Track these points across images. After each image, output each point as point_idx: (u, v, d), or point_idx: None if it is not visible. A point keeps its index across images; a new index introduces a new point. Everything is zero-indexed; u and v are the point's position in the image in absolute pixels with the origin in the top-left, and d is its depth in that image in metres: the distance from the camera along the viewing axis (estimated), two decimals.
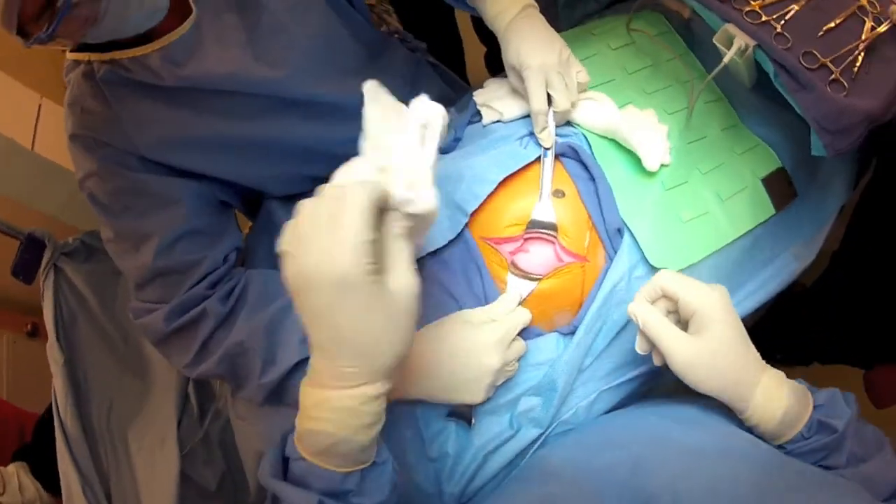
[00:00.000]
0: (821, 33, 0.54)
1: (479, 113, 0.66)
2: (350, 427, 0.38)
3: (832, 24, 0.54)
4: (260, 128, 0.62)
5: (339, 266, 0.34)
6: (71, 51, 0.56)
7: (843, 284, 0.81)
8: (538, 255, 0.56)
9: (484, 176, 0.58)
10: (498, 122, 0.64)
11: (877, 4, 0.55)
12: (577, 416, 0.56)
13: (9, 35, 0.44)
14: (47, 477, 0.85)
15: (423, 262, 0.57)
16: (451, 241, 0.58)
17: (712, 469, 0.40)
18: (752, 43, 0.55)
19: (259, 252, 0.72)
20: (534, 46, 0.57)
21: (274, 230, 0.70)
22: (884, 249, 0.72)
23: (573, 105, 0.60)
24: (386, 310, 0.36)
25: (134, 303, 0.62)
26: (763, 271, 0.63)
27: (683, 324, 0.48)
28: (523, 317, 0.54)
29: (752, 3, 0.56)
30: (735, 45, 0.55)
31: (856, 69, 0.54)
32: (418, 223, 0.41)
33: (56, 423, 0.77)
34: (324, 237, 0.35)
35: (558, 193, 0.58)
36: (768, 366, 0.48)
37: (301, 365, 0.57)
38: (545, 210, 0.56)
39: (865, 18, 0.54)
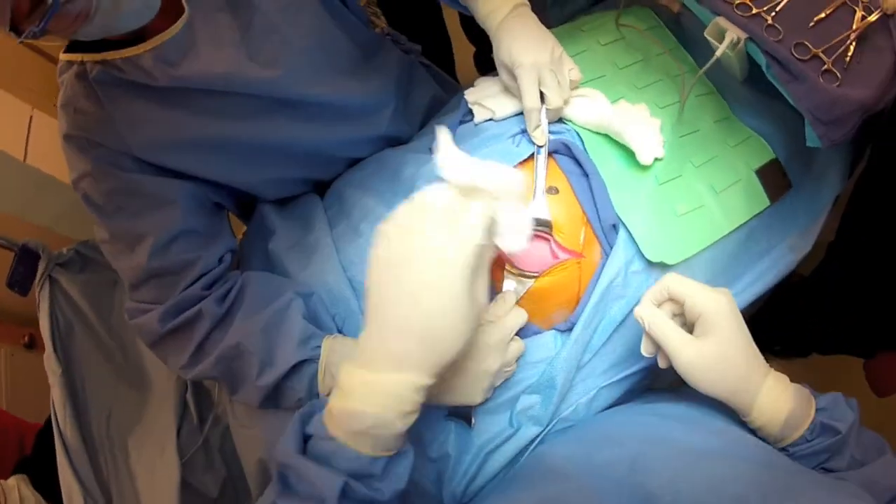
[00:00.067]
0: (812, 24, 0.54)
1: (470, 112, 0.66)
2: (394, 412, 0.39)
3: (823, 15, 0.54)
4: (253, 129, 0.62)
5: (452, 255, 0.38)
6: (64, 52, 0.56)
7: (840, 276, 0.81)
8: (533, 253, 0.55)
9: None
10: (490, 120, 0.64)
11: None
12: (577, 413, 0.56)
13: None
14: (48, 489, 0.85)
15: None
16: None
17: (713, 469, 0.40)
18: (743, 35, 0.54)
19: (253, 256, 0.71)
20: (526, 45, 0.58)
21: (267, 234, 0.70)
22: (879, 239, 0.72)
23: (566, 102, 0.60)
24: (463, 311, 0.39)
25: (129, 303, 0.62)
26: (759, 263, 0.63)
27: (689, 326, 0.49)
28: (520, 317, 0.53)
29: None
30: (727, 38, 0.55)
31: (848, 59, 0.54)
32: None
33: (55, 434, 0.77)
34: (442, 230, 0.39)
35: (552, 190, 0.58)
36: (772, 369, 0.48)
37: (298, 367, 0.57)
38: (539, 207, 0.56)
39: (856, 8, 0.54)
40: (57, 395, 0.78)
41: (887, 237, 0.70)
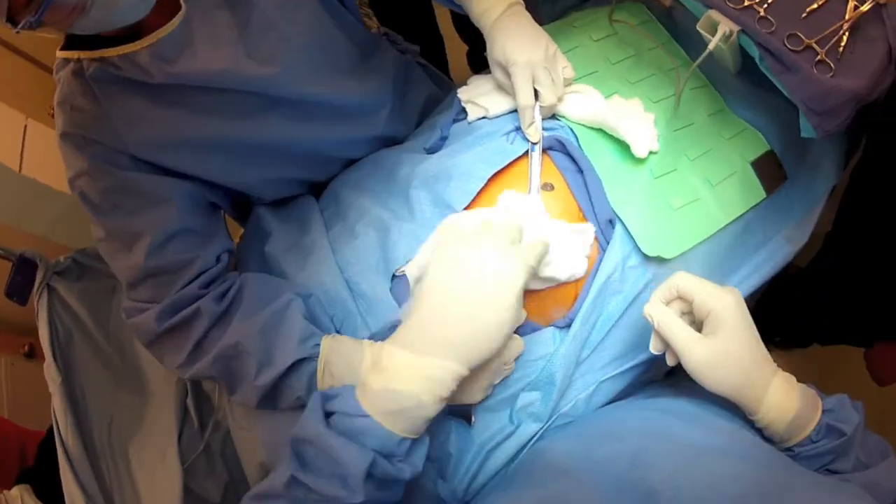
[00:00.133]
0: (804, 15, 0.54)
1: (464, 110, 0.66)
2: (432, 395, 0.42)
3: (815, 6, 0.54)
4: (250, 127, 0.62)
5: (510, 276, 0.45)
6: (61, 49, 0.55)
7: (836, 267, 0.81)
8: None
9: (472, 173, 0.58)
10: (483, 118, 0.64)
11: None
12: (577, 408, 0.56)
13: None
14: (52, 499, 0.85)
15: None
16: None
17: (713, 467, 0.40)
18: (736, 28, 0.54)
19: (250, 259, 0.71)
20: (520, 43, 0.58)
21: (264, 237, 0.70)
22: (875, 230, 0.72)
23: (560, 99, 0.60)
24: (509, 323, 0.45)
25: (126, 302, 0.61)
26: (756, 255, 0.63)
27: (698, 325, 0.49)
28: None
29: None
30: (719, 31, 0.55)
31: (841, 49, 0.54)
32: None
33: (57, 443, 0.77)
34: (504, 250, 0.46)
35: (547, 187, 0.58)
36: (779, 369, 0.49)
37: (297, 366, 0.57)
38: (535, 204, 0.56)
39: None
40: (58, 403, 0.78)
41: (883, 228, 0.70)
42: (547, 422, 0.55)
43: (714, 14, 0.55)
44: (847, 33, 0.53)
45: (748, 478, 0.38)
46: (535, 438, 0.54)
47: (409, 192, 0.61)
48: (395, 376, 0.42)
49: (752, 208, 0.61)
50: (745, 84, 0.64)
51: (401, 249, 0.58)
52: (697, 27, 0.56)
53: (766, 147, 0.63)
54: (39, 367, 0.81)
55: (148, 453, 0.79)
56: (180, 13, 0.53)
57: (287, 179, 0.72)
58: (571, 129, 0.61)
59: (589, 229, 0.55)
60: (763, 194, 0.61)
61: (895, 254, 0.70)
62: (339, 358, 0.57)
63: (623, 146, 0.59)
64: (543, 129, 0.60)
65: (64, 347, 0.81)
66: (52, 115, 0.58)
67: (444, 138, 0.66)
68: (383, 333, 0.58)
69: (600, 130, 0.61)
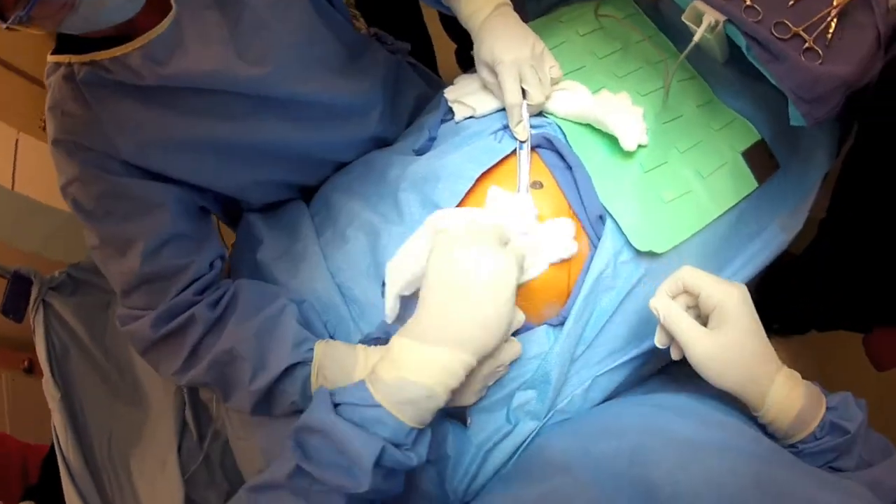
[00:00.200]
0: (791, 2, 0.54)
1: (451, 110, 0.65)
2: (443, 386, 0.44)
3: None
4: (241, 129, 0.61)
5: (505, 271, 0.47)
6: (52, 53, 0.55)
7: (829, 253, 0.81)
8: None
9: (461, 173, 0.58)
10: (471, 117, 0.63)
11: None
12: (573, 404, 0.56)
13: None
14: None
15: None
16: None
17: (712, 462, 0.40)
18: (721, 18, 0.54)
19: (243, 267, 0.71)
20: (507, 43, 0.58)
21: (255, 244, 0.70)
22: (868, 216, 0.71)
23: (547, 98, 0.60)
24: (508, 314, 0.47)
25: (120, 310, 0.61)
26: (750, 245, 0.62)
27: (703, 319, 0.49)
28: (517, 318, 0.53)
29: None
30: (704, 21, 0.54)
31: (829, 36, 0.53)
32: None
33: (59, 459, 0.77)
34: (496, 248, 0.48)
35: (536, 185, 0.57)
36: (784, 365, 0.48)
37: (291, 370, 0.57)
38: (524, 203, 0.55)
39: None
40: (58, 419, 0.78)
41: (876, 214, 0.70)
42: (544, 419, 0.54)
43: (699, 5, 0.54)
44: (835, 20, 0.53)
45: (746, 474, 0.38)
46: (532, 436, 0.54)
47: (399, 195, 0.60)
48: (407, 367, 0.44)
49: (744, 198, 0.60)
50: (733, 73, 0.63)
51: (391, 253, 0.58)
52: (683, 18, 0.56)
53: (756, 136, 0.62)
54: (39, 382, 0.81)
55: (148, 465, 0.79)
56: (171, 14, 0.53)
57: (278, 183, 0.71)
58: (559, 126, 0.61)
59: (565, 223, 0.55)
60: (755, 184, 0.61)
61: (890, 240, 0.70)
62: (333, 362, 0.57)
63: (612, 141, 0.58)
64: (531, 126, 0.59)
65: (61, 363, 0.81)
66: (44, 128, 0.58)
67: (432, 139, 0.66)
68: (376, 334, 0.58)
69: (588, 126, 0.60)
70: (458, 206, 0.57)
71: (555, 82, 0.61)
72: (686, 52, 0.56)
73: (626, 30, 0.66)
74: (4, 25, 0.43)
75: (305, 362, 0.57)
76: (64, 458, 0.76)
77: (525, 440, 0.54)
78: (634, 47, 0.65)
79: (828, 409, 0.48)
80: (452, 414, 0.55)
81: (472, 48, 0.63)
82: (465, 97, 0.64)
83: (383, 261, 0.58)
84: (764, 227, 0.63)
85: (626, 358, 0.57)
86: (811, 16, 0.53)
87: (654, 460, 0.41)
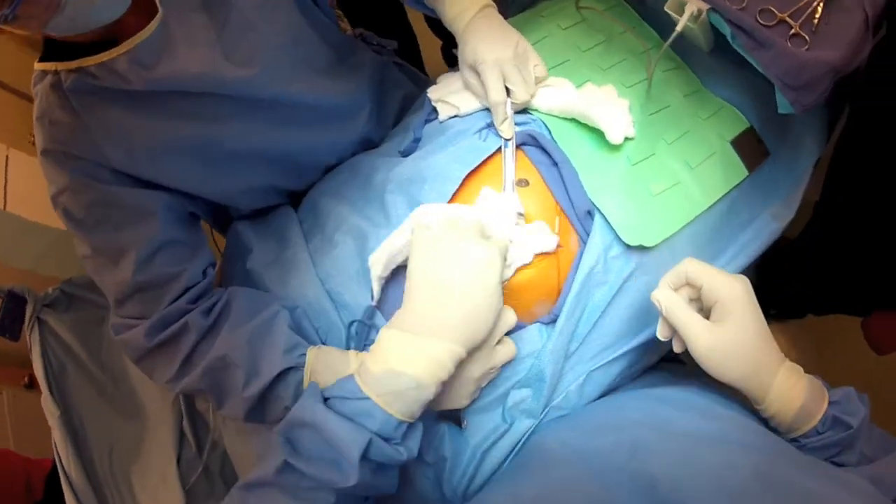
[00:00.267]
0: None
1: (435, 110, 0.64)
2: (432, 377, 0.44)
3: None
4: (229, 132, 0.61)
5: (488, 262, 0.47)
6: (39, 61, 0.55)
7: (820, 238, 0.80)
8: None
9: (447, 174, 0.57)
10: (455, 116, 0.63)
11: None
12: (569, 400, 0.55)
13: None
14: None
15: (397, 269, 0.57)
16: None
17: (712, 456, 0.40)
18: (704, 7, 0.53)
19: (234, 277, 0.71)
20: (490, 44, 0.58)
21: (245, 253, 0.70)
22: (860, 201, 0.71)
23: (532, 96, 0.60)
24: (495, 305, 0.47)
25: (114, 319, 0.61)
26: (742, 235, 0.61)
27: (706, 312, 0.49)
28: (509, 319, 0.53)
29: None
30: (687, 10, 0.53)
31: (815, 21, 0.52)
32: None
33: (61, 475, 0.77)
34: (479, 240, 0.48)
35: (522, 182, 0.57)
36: (786, 359, 0.48)
37: (283, 375, 0.57)
38: (510, 201, 0.55)
39: None
40: (58, 436, 0.78)
41: (869, 199, 0.69)
42: (540, 416, 0.54)
43: None
44: (821, 4, 0.52)
45: (747, 465, 0.38)
46: (529, 433, 0.54)
47: (385, 198, 0.60)
48: (395, 358, 0.43)
49: (734, 188, 0.60)
50: (719, 62, 0.63)
51: None
52: (666, 8, 0.55)
53: (745, 124, 0.61)
54: (40, 397, 0.82)
55: (150, 478, 0.79)
56: (157, 17, 0.52)
57: (266, 188, 0.71)
58: (544, 122, 0.60)
59: (541, 227, 0.55)
60: (745, 172, 0.60)
61: (882, 225, 0.69)
62: (325, 368, 0.56)
63: (598, 135, 0.58)
64: (515, 123, 0.59)
65: (59, 380, 0.82)
66: (34, 143, 0.58)
67: (417, 140, 0.65)
68: (361, 319, 0.58)
69: (574, 121, 0.60)
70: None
71: (540, 81, 0.60)
72: (668, 41, 0.55)
73: (608, 21, 0.65)
74: None
75: (297, 367, 0.57)
76: (66, 474, 0.77)
77: (522, 438, 0.54)
78: (618, 39, 0.64)
79: (830, 403, 0.47)
80: (447, 416, 0.54)
81: (457, 45, 0.62)
82: (449, 96, 0.63)
83: None
84: (755, 217, 0.62)
85: (620, 352, 0.56)
86: (797, 1, 0.52)
87: (653, 454, 0.41)
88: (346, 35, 0.74)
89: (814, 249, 0.83)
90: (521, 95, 0.58)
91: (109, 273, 0.59)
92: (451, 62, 0.64)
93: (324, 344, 0.61)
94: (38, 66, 0.55)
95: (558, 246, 0.55)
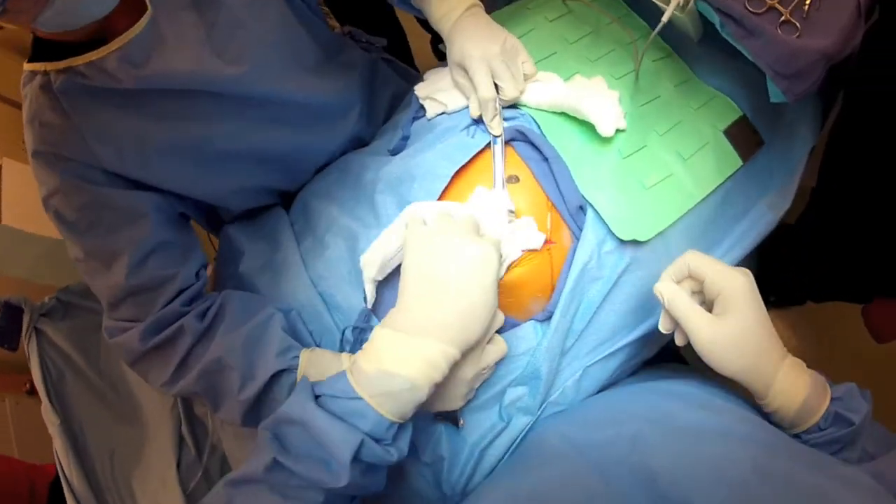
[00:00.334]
0: None
1: (423, 107, 0.64)
2: (425, 378, 0.43)
3: None
4: (219, 131, 0.61)
5: (484, 260, 0.46)
6: (28, 61, 0.55)
7: (815, 226, 0.79)
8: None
9: (436, 172, 0.57)
10: (443, 113, 0.62)
11: None
12: (566, 396, 0.55)
13: None
14: None
15: (393, 271, 0.56)
16: None
17: (713, 450, 0.39)
18: None
19: (227, 281, 0.71)
20: (477, 42, 0.57)
21: (237, 256, 0.69)
22: (855, 188, 0.70)
23: (521, 92, 0.59)
24: (490, 303, 0.46)
25: (108, 322, 0.61)
26: (737, 226, 0.61)
27: (708, 305, 0.48)
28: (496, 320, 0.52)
29: None
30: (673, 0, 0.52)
31: (806, 7, 0.51)
32: None
33: (63, 483, 0.78)
34: (473, 238, 0.47)
35: (512, 179, 0.56)
36: (789, 353, 0.48)
37: (277, 377, 0.57)
38: (501, 198, 0.54)
39: None
40: (59, 444, 0.78)
41: (864, 185, 0.68)
42: (537, 413, 0.54)
43: None
44: None
45: (747, 459, 0.37)
46: (527, 430, 0.54)
47: (375, 197, 0.60)
48: (389, 359, 0.43)
49: (729, 178, 0.59)
50: (710, 50, 0.62)
51: None
52: None
53: (737, 113, 0.61)
54: (40, 404, 0.82)
55: (150, 483, 0.79)
56: (147, 15, 0.52)
57: (258, 188, 0.71)
58: (533, 117, 0.59)
59: (529, 222, 0.54)
60: (739, 162, 0.59)
61: (879, 212, 0.68)
62: (318, 370, 0.56)
63: (588, 128, 0.57)
64: (504, 119, 0.58)
65: (58, 388, 0.82)
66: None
67: (405, 138, 0.65)
68: (357, 324, 0.58)
69: (563, 115, 0.59)
70: None
71: (528, 77, 0.60)
72: (654, 31, 0.54)
73: (595, 12, 0.64)
74: None
75: (291, 370, 0.57)
76: (68, 482, 0.77)
77: (519, 435, 0.54)
78: (605, 30, 0.63)
79: (832, 399, 0.47)
80: (444, 416, 0.54)
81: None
82: (436, 93, 0.62)
83: None
84: (750, 207, 0.61)
85: (616, 346, 0.56)
86: None
87: (653, 447, 0.41)
88: (335, 33, 0.74)
89: (809, 237, 0.82)
90: (510, 92, 0.57)
91: (102, 276, 0.59)
92: (441, 56, 0.64)
93: (318, 346, 0.61)
94: (27, 66, 0.55)
95: (547, 242, 0.54)
